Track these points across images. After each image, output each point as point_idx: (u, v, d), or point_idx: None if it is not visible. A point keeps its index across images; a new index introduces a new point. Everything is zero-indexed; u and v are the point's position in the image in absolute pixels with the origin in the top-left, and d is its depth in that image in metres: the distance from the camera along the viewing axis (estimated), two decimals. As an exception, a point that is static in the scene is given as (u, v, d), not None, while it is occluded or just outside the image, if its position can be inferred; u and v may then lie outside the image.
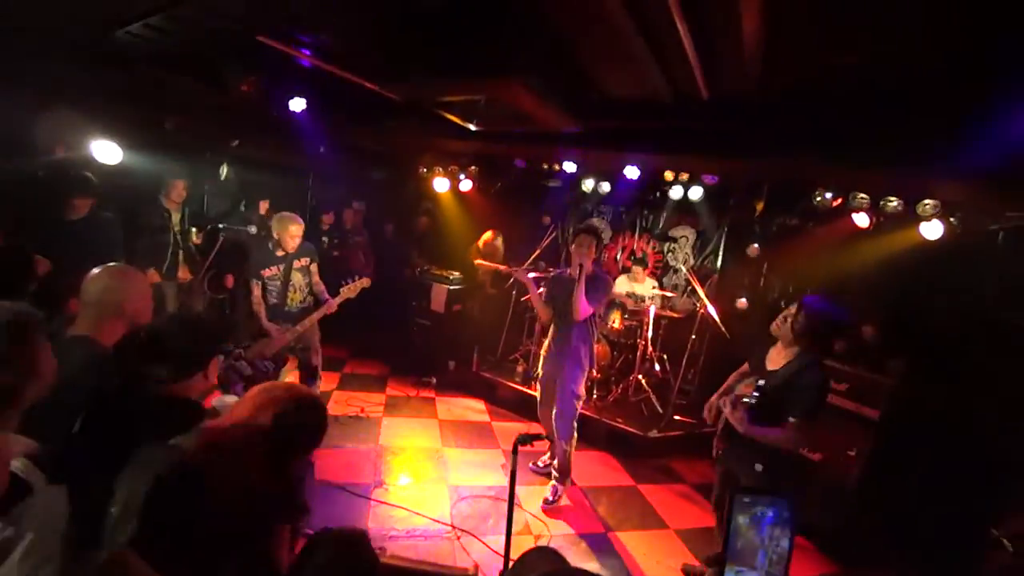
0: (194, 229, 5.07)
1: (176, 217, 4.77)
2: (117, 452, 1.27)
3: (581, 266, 3.32)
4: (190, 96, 4.47)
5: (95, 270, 1.77)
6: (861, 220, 4.29)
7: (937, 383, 3.60)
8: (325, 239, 6.46)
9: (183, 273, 4.88)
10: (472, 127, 4.77)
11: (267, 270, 3.86)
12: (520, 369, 5.49)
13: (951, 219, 3.87)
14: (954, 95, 3.16)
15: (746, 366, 2.77)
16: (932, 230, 3.89)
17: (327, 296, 4.01)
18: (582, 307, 3.32)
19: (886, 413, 3.48)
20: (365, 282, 4.12)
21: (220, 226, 5.06)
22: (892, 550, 3.23)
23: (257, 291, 3.83)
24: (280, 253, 3.88)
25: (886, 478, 3.40)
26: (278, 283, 3.89)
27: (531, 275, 3.95)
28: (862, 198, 4.18)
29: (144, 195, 4.63)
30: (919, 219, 3.94)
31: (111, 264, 1.82)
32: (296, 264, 3.94)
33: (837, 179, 4.30)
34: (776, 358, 2.52)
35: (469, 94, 3.86)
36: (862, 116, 3.66)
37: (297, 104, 4.61)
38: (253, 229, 5.22)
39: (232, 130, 5.31)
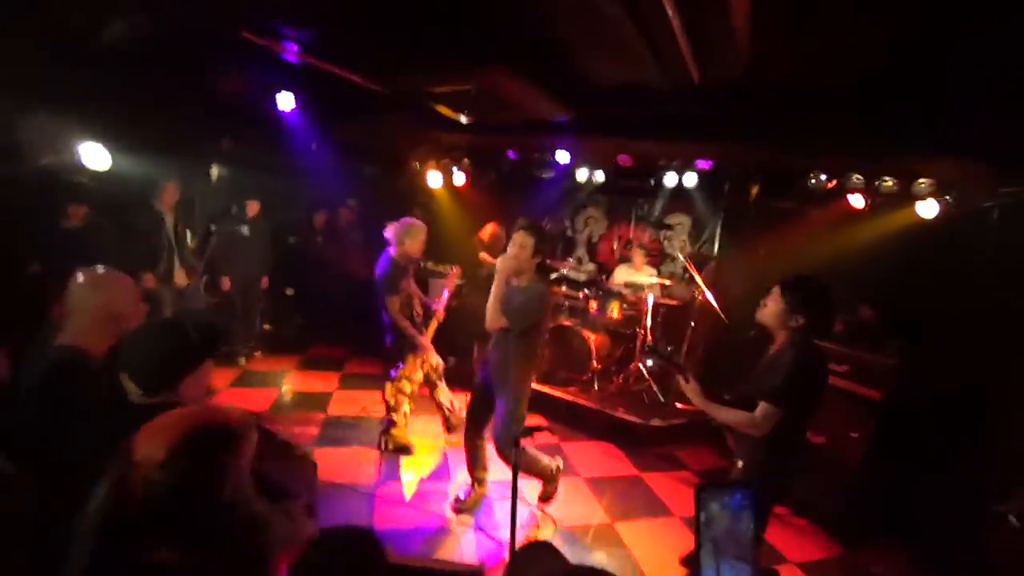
0: (188, 232, 5.02)
1: (170, 220, 4.71)
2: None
3: (500, 268, 2.87)
4: (175, 95, 4.41)
5: (77, 276, 1.71)
6: (857, 201, 4.28)
7: (935, 362, 3.61)
8: (320, 239, 6.42)
9: (180, 277, 4.83)
10: (463, 119, 4.72)
11: (404, 281, 3.72)
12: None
13: (946, 197, 3.86)
14: (944, 76, 3.15)
15: None
16: (928, 209, 3.89)
17: (424, 299, 3.99)
18: (491, 314, 2.85)
19: (887, 394, 3.49)
20: (456, 271, 4.06)
21: (212, 227, 5.02)
22: (895, 531, 3.26)
23: (397, 304, 3.63)
24: (404, 263, 3.69)
25: (888, 458, 3.41)
26: (406, 294, 3.79)
27: None
28: (856, 179, 4.18)
29: (135, 199, 4.57)
30: (914, 198, 3.94)
31: (92, 268, 1.75)
32: (412, 270, 3.85)
33: (830, 161, 4.28)
34: (775, 346, 2.32)
35: (455, 84, 3.82)
36: (854, 98, 3.64)
37: (285, 101, 4.55)
38: (245, 230, 5.18)
39: (221, 129, 5.24)
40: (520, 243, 2.83)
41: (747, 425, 2.15)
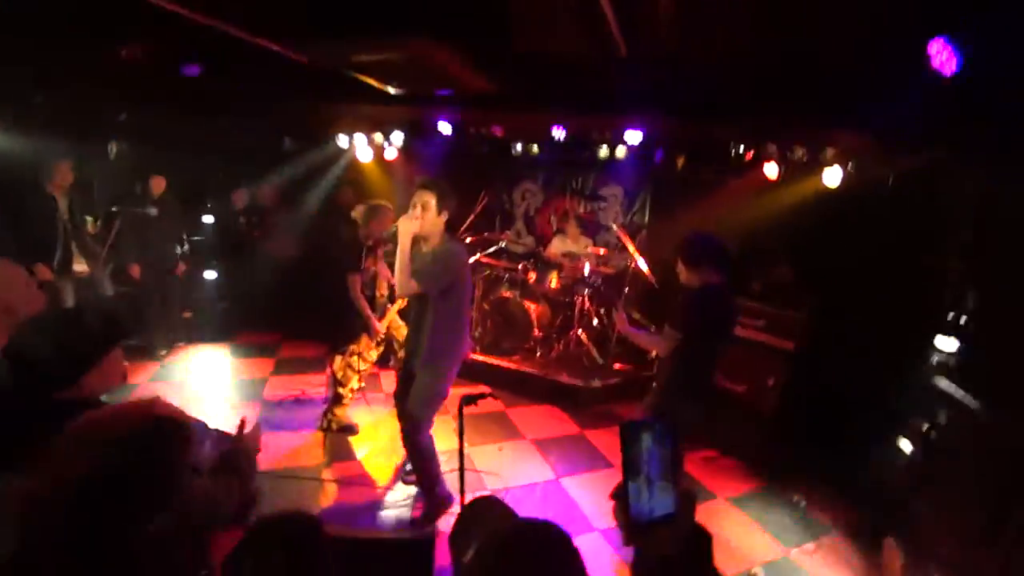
0: (89, 218, 4.53)
1: (64, 203, 4.22)
2: None
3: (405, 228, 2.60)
4: (65, 64, 3.92)
5: None
6: (771, 171, 4.60)
7: (842, 314, 4.01)
8: (243, 219, 6.01)
9: (79, 266, 4.37)
10: (391, 90, 4.55)
11: (368, 261, 3.68)
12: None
13: (849, 166, 4.24)
14: (853, 55, 3.42)
15: None
16: (833, 176, 4.26)
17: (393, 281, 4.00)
18: (399, 280, 2.61)
19: (799, 344, 3.84)
20: None
21: (114, 209, 4.56)
22: (809, 464, 3.64)
23: (358, 283, 3.59)
24: (371, 243, 3.67)
25: (800, 401, 3.78)
26: (371, 274, 3.77)
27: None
28: (771, 149, 4.49)
29: (23, 182, 4.05)
30: (821, 167, 4.29)
31: None
32: (382, 251, 3.81)
33: (749, 134, 4.57)
34: None
35: (378, 53, 3.66)
36: (771, 74, 3.87)
37: (191, 69, 4.17)
38: (153, 211, 4.76)
39: (119, 101, 4.73)
40: (422, 203, 2.60)
41: (653, 344, 2.78)
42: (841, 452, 3.41)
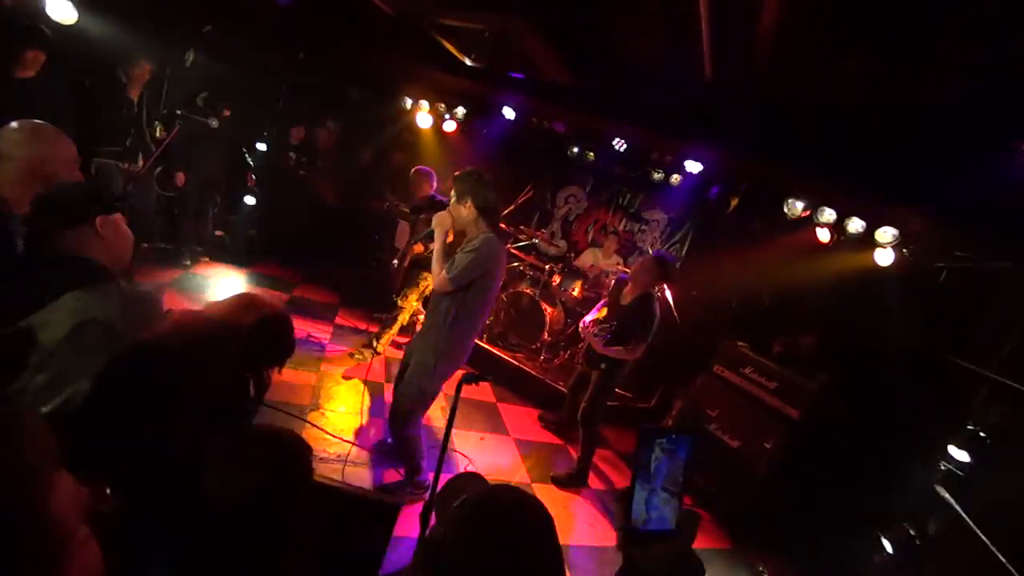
0: (156, 122, 4.65)
1: (135, 98, 4.35)
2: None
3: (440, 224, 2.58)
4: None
5: (11, 124, 1.60)
6: (823, 235, 4.46)
7: (855, 397, 3.87)
8: (292, 155, 6.10)
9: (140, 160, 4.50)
10: (468, 61, 4.55)
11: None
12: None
13: (904, 250, 4.07)
14: (933, 132, 3.28)
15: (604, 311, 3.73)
16: (885, 257, 4.10)
17: None
18: (434, 268, 2.57)
19: (805, 415, 3.73)
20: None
21: (177, 112, 4.64)
22: (784, 538, 3.54)
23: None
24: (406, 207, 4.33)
25: (794, 472, 3.68)
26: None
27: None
28: (828, 214, 4.34)
29: (100, 68, 4.18)
30: (876, 244, 4.13)
31: (29, 120, 1.64)
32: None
33: (809, 189, 4.42)
34: (627, 296, 3.56)
35: (469, 19, 3.65)
36: (847, 135, 3.75)
37: (284, -2, 4.23)
38: (214, 123, 4.85)
39: (205, 13, 4.83)
40: (455, 195, 2.56)
41: (632, 355, 3.48)
42: (819, 533, 3.31)
